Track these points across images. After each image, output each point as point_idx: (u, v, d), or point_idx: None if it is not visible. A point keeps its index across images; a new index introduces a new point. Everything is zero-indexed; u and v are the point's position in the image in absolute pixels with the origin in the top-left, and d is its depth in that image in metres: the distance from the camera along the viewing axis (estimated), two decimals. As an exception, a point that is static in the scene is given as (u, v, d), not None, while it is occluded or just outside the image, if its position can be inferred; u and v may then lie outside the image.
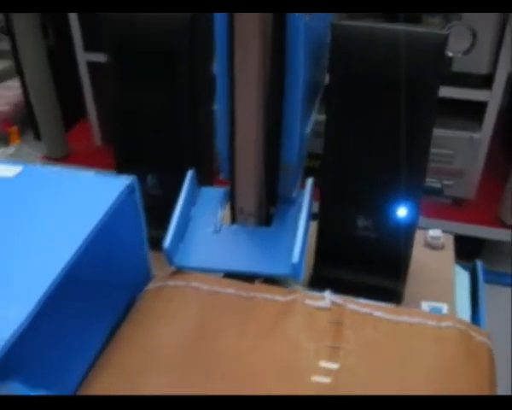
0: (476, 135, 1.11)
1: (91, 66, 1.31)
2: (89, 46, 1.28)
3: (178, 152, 0.61)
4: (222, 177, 0.55)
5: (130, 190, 0.48)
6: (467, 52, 1.02)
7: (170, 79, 0.59)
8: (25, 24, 1.28)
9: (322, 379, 0.41)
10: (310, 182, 0.54)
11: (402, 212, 0.54)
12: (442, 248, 0.65)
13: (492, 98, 1.06)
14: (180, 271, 0.52)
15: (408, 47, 0.46)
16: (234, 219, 0.55)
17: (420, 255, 0.62)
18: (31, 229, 0.44)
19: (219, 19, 0.47)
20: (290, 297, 0.47)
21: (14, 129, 0.50)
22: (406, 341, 0.44)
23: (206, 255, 0.52)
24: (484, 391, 0.41)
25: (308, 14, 0.48)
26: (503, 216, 1.19)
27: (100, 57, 1.28)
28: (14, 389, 0.35)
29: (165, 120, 0.61)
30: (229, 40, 0.47)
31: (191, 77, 0.59)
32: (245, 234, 0.53)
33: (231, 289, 0.49)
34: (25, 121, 1.34)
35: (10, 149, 0.52)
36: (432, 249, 0.65)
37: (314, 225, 0.58)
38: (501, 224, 1.17)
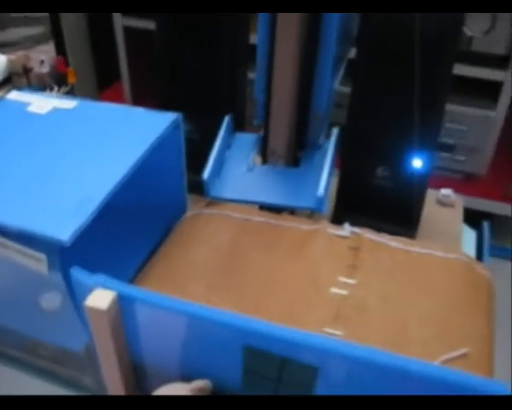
0: (491, 113, 1.16)
1: (127, 30, 1.36)
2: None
3: (216, 101, 0.66)
4: (256, 123, 0.61)
5: (175, 125, 0.54)
6: (486, 33, 1.07)
7: (214, 41, 0.64)
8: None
9: (340, 291, 0.47)
10: (336, 131, 0.60)
11: (417, 163, 0.60)
12: (452, 206, 0.71)
13: (508, 78, 1.10)
14: (214, 202, 0.58)
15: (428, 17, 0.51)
16: (265, 160, 0.60)
17: (431, 211, 0.68)
18: (89, 151, 0.50)
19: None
20: (314, 226, 0.53)
21: (70, 70, 0.55)
22: (415, 266, 0.49)
23: (239, 189, 0.58)
24: (481, 313, 0.46)
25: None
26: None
27: (135, 23, 1.34)
28: (78, 272, 0.41)
29: (208, 77, 0.66)
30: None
31: (233, 40, 0.64)
32: (275, 173, 0.59)
33: (261, 217, 0.55)
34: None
35: (66, 88, 0.57)
36: (442, 206, 0.71)
37: (334, 180, 0.63)
38: (510, 200, 1.22)
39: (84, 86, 1.45)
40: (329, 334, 0.43)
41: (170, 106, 0.69)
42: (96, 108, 0.57)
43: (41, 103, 0.57)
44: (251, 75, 0.63)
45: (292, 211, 0.59)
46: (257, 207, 0.59)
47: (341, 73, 0.66)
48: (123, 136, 0.52)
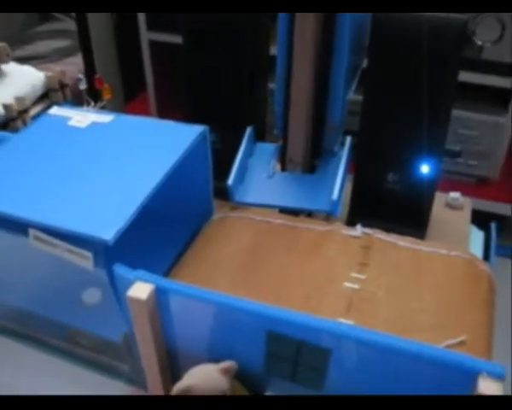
0: (501, 119, 1.20)
1: (152, 44, 1.43)
2: (151, 26, 1.41)
3: (238, 113, 0.72)
4: (275, 133, 0.67)
5: (202, 137, 0.60)
6: (495, 42, 1.11)
7: (234, 53, 0.69)
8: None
9: (352, 285, 0.52)
10: (349, 139, 0.65)
11: (425, 169, 0.64)
12: (461, 208, 0.75)
13: (518, 86, 1.15)
14: (239, 206, 0.63)
15: (433, 27, 0.56)
16: (284, 168, 0.66)
17: (440, 213, 0.72)
18: (127, 160, 0.56)
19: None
20: (329, 228, 0.59)
21: (106, 87, 0.60)
22: (420, 262, 0.54)
23: (260, 194, 0.63)
24: (479, 304, 0.51)
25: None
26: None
27: (160, 37, 1.41)
28: (120, 268, 0.47)
29: (230, 90, 0.72)
30: (290, 25, 0.58)
31: (253, 54, 0.69)
32: (293, 179, 0.65)
33: (280, 220, 0.61)
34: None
35: (102, 103, 0.63)
36: (451, 209, 0.75)
37: (348, 185, 0.68)
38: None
39: (112, 98, 1.52)
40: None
41: (195, 117, 0.74)
42: (130, 122, 0.63)
43: (80, 118, 0.63)
44: (272, 85, 0.68)
45: (309, 214, 0.65)
46: (277, 210, 0.65)
47: (355, 85, 0.71)
48: (156, 146, 0.57)
